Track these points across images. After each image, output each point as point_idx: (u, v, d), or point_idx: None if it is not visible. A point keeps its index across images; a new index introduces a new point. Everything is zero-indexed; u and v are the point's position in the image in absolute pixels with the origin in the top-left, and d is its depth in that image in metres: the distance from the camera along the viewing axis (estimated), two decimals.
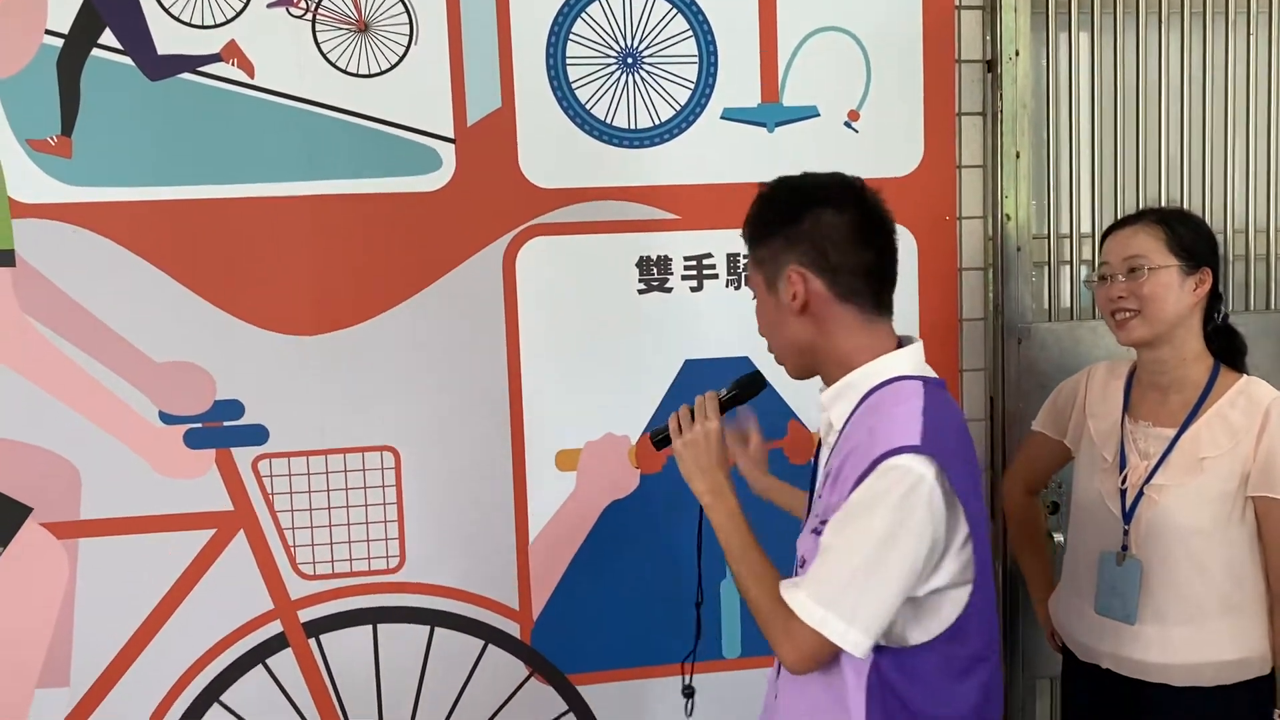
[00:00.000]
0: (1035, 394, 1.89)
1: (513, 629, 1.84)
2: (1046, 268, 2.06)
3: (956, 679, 1.23)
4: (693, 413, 1.36)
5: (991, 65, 1.93)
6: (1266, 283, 2.12)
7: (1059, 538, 1.85)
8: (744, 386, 1.44)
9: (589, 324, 1.86)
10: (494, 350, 1.83)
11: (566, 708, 1.86)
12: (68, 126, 1.69)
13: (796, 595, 1.20)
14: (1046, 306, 2.08)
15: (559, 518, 1.85)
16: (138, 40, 1.70)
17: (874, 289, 1.25)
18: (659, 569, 1.87)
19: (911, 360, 1.27)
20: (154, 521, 1.76)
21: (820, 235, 1.23)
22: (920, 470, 1.15)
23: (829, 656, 1.21)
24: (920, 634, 1.21)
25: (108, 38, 1.70)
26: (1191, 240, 1.61)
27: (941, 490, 1.15)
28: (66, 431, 1.74)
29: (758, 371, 1.45)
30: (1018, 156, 1.93)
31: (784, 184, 1.31)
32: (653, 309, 1.85)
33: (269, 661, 1.80)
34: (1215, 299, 1.67)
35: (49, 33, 1.67)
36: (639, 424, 1.86)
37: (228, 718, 1.79)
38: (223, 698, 1.79)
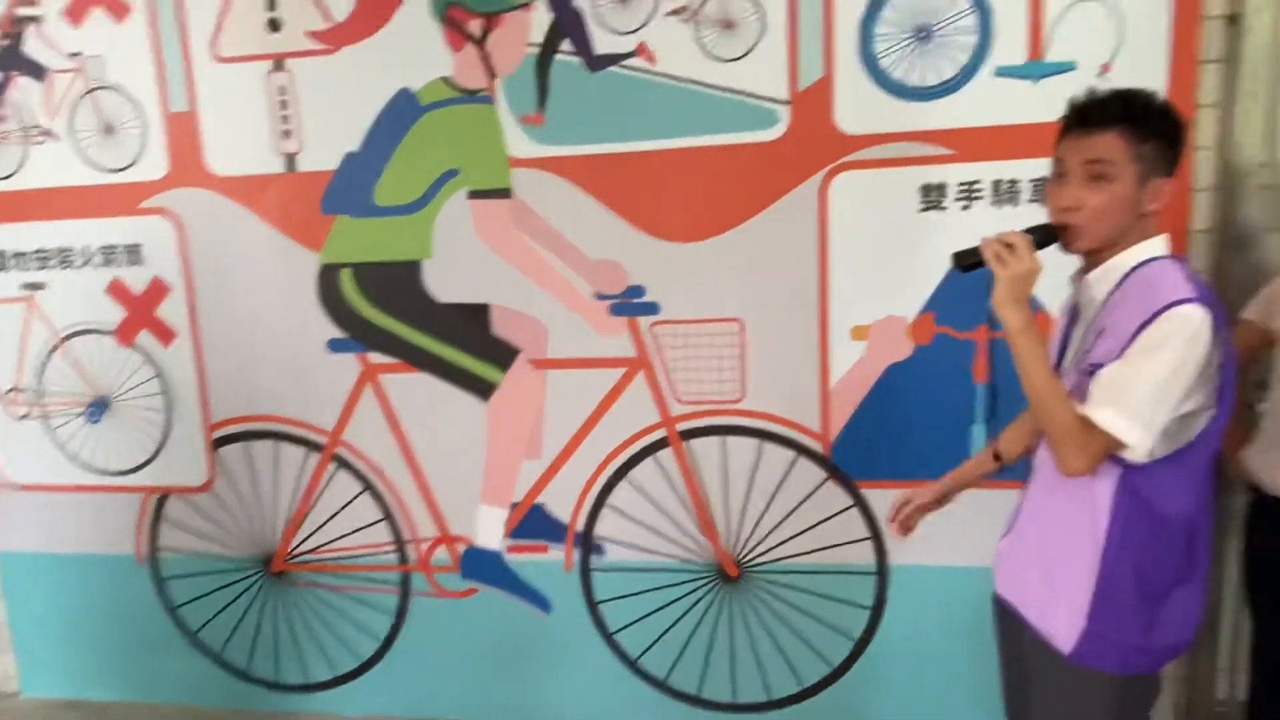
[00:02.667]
0: (1248, 291, 1.80)
1: (816, 446, 2.06)
2: (1269, 191, 1.90)
3: (1180, 486, 1.24)
4: (1006, 245, 1.23)
5: (1234, 20, 1.80)
6: None
7: (1261, 407, 1.79)
8: (1046, 234, 1.26)
9: (880, 234, 1.93)
10: (810, 254, 1.96)
11: (852, 503, 2.07)
12: (542, 105, 2.01)
13: (1103, 411, 1.18)
14: (1264, 221, 1.90)
15: (853, 372, 2.00)
16: (584, 45, 1.98)
17: None
18: (924, 411, 1.97)
19: (1163, 246, 1.27)
20: (590, 362, 2.11)
21: (1180, 157, 1.25)
22: (1199, 316, 1.16)
23: (1104, 462, 1.22)
24: (1163, 448, 1.22)
25: (565, 46, 1.98)
26: None
27: (1210, 331, 1.17)
28: (541, 303, 2.09)
29: (1054, 227, 1.26)
30: (1255, 96, 1.82)
31: (1165, 101, 1.25)
32: (929, 224, 1.91)
33: (657, 455, 2.13)
34: None
35: (530, 44, 2.00)
36: (914, 308, 1.95)
37: (632, 489, 2.16)
38: (629, 476, 2.16)
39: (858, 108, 1.91)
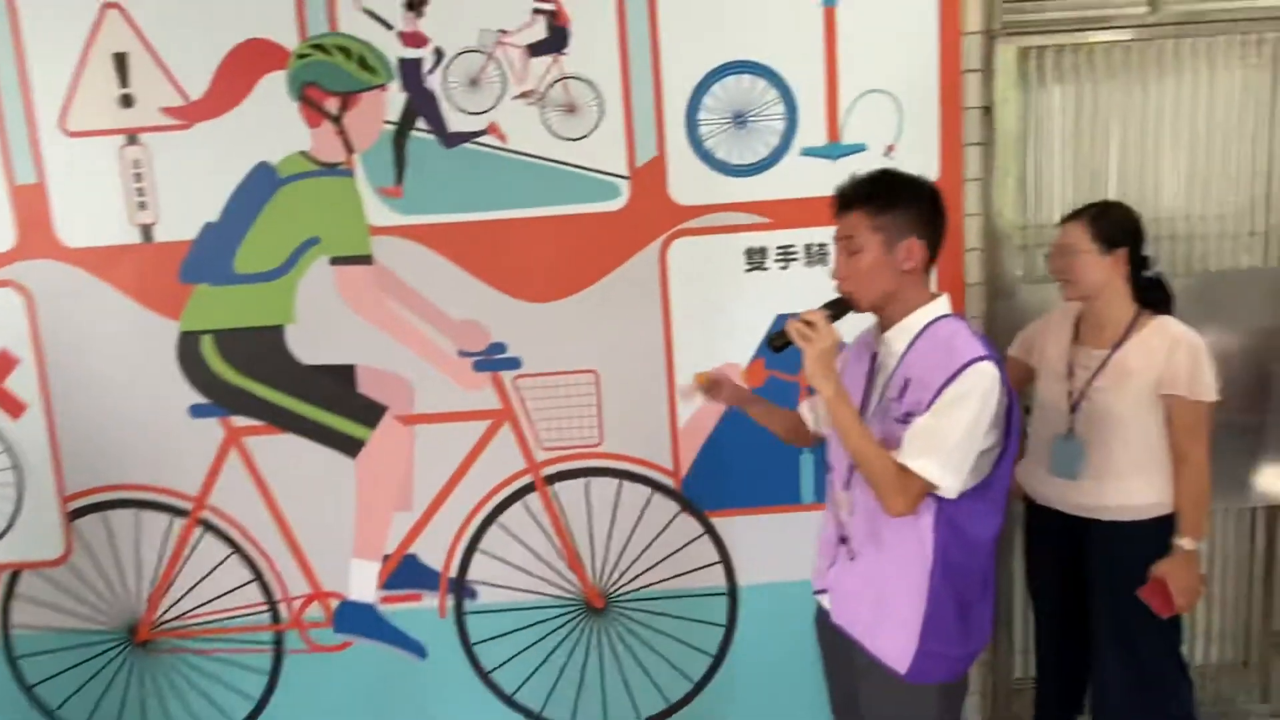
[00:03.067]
0: (1014, 333, 2.09)
1: (669, 482, 2.21)
2: (1024, 249, 2.23)
3: (985, 512, 1.42)
4: (807, 324, 1.37)
5: (988, 110, 2.11)
6: (1183, 255, 2.24)
7: (1029, 430, 2.04)
8: (841, 305, 1.43)
9: (713, 292, 2.12)
10: (655, 310, 2.13)
11: (703, 531, 2.24)
12: (399, 178, 2.10)
13: (919, 460, 1.32)
14: (1022, 274, 2.22)
15: (698, 414, 2.15)
16: (438, 124, 2.08)
17: (933, 259, 1.43)
18: (761, 446, 2.07)
19: (947, 306, 1.45)
20: (456, 415, 2.17)
21: (934, 219, 1.40)
22: (993, 371, 1.32)
23: (922, 502, 1.37)
24: (970, 482, 1.38)
25: (420, 123, 2.08)
26: (1109, 231, 1.80)
27: (1001, 383, 1.34)
28: (406, 362, 2.14)
29: (844, 297, 1.44)
30: (1007, 173, 2.13)
31: (912, 178, 1.41)
32: (754, 282, 2.12)
33: (525, 500, 2.22)
34: (1142, 264, 1.83)
35: (387, 122, 2.08)
36: (747, 355, 2.14)
37: (502, 533, 2.23)
38: (499, 520, 2.23)
39: (688, 182, 2.11)
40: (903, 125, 2.09)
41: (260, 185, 2.13)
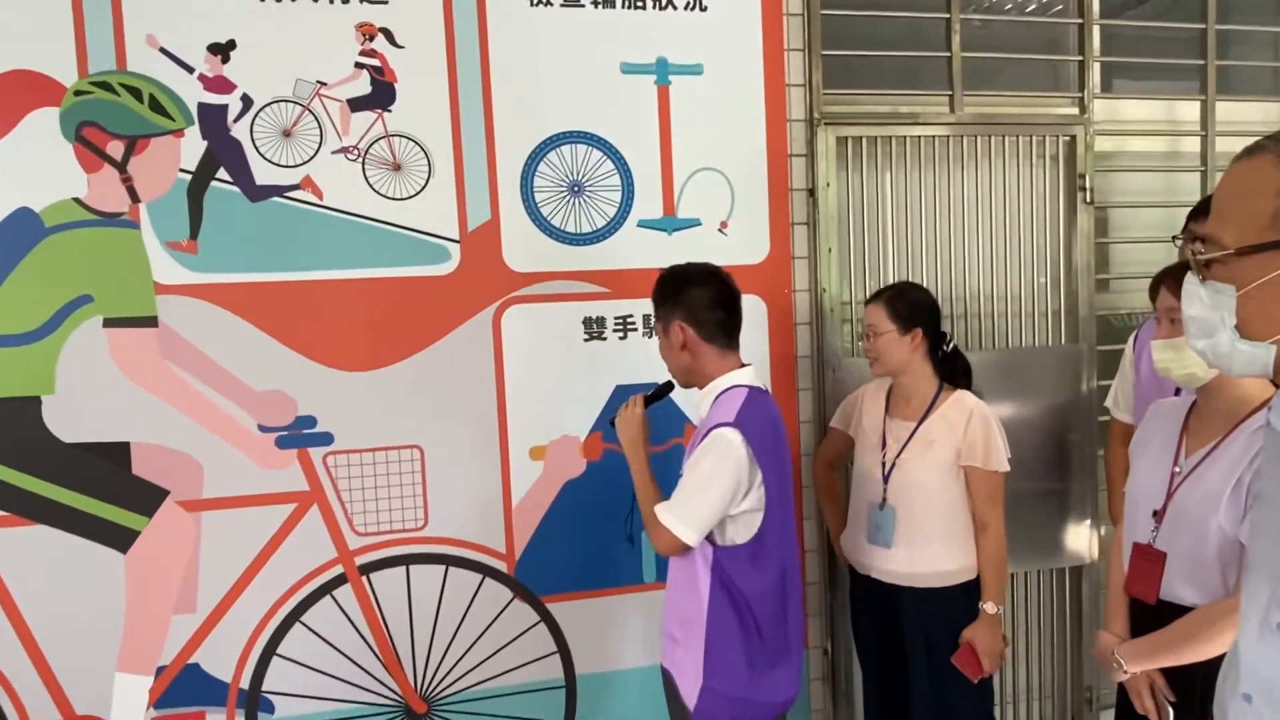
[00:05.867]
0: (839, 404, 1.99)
1: (502, 566, 1.95)
2: (847, 323, 2.16)
3: (760, 566, 1.45)
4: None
5: (812, 192, 2.06)
6: (987, 332, 2.23)
7: None
8: (661, 388, 1.63)
9: (550, 364, 1.94)
10: (487, 381, 1.91)
11: (539, 619, 1.98)
12: (194, 233, 1.77)
13: (661, 509, 1.45)
14: (848, 347, 2.15)
15: (532, 491, 1.94)
16: (242, 174, 1.78)
17: (725, 333, 1.49)
18: (599, 525, 1.97)
19: (746, 375, 1.49)
20: (254, 499, 1.83)
21: (691, 302, 1.48)
22: (730, 436, 1.39)
23: (681, 546, 1.43)
24: (738, 538, 1.44)
25: (221, 173, 1.77)
26: (907, 311, 1.75)
27: (745, 449, 1.39)
28: (194, 438, 1.79)
29: (670, 380, 1.61)
30: (830, 251, 2.08)
31: (671, 270, 1.54)
32: (593, 352, 1.97)
33: (335, 593, 1.88)
34: (940, 340, 1.79)
35: (182, 170, 1.76)
36: (585, 428, 1.97)
37: (306, 634, 1.87)
38: (303, 619, 1.87)
39: (524, 248, 1.91)
40: (734, 203, 1.99)
41: (19, 233, 1.70)
